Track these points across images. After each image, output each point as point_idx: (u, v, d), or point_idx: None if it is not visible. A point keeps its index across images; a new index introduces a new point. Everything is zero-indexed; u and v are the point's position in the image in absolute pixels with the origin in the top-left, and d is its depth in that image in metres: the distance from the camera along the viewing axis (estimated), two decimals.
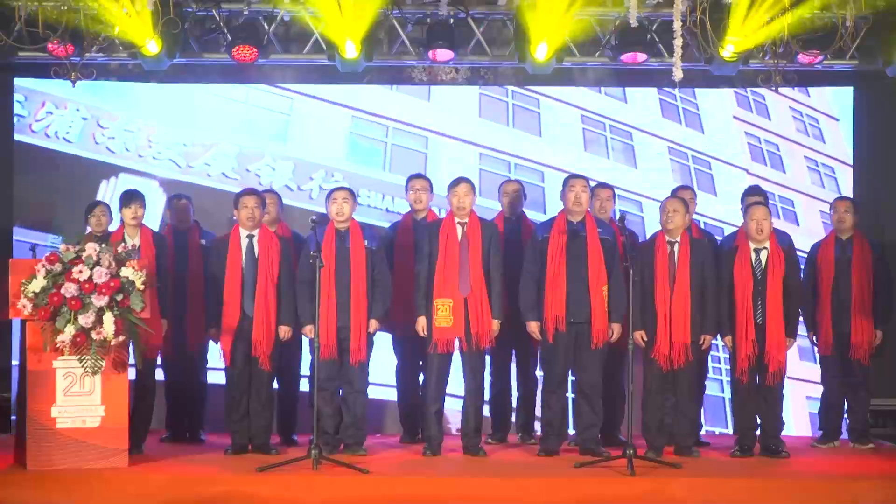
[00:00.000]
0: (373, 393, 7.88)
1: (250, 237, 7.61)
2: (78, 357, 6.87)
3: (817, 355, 8.32)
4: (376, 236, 7.77)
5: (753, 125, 9.78)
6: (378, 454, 7.64)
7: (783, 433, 7.78)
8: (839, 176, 9.65)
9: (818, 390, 8.39)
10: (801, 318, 7.95)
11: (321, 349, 7.32)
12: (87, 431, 6.94)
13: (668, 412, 7.65)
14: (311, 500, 6.61)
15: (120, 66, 9.39)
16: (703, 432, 8.49)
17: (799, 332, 7.90)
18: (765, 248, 7.60)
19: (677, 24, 7.79)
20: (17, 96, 9.34)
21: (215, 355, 7.88)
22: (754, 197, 8.24)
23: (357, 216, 7.78)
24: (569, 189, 7.60)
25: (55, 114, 9.40)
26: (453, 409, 8.13)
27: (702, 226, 8.77)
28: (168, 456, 7.48)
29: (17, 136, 9.31)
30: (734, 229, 8.34)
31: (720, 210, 9.40)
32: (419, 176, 8.27)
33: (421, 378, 8.10)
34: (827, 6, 8.50)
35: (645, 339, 7.47)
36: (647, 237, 8.19)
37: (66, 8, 8.14)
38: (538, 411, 7.92)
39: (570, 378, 7.69)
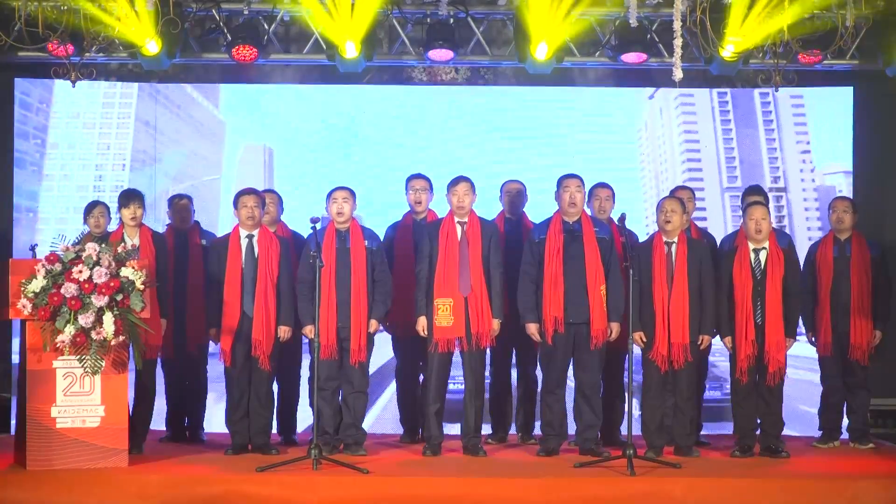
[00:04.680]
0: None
1: (250, 237, 7.61)
2: (78, 357, 6.87)
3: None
4: (376, 236, 7.77)
5: None
6: (378, 454, 7.63)
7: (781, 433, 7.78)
8: None
9: None
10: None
11: (321, 349, 7.32)
12: (87, 431, 6.94)
13: (667, 412, 7.65)
14: (311, 500, 6.60)
15: (120, 66, 9.42)
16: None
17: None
18: (764, 248, 7.60)
19: (677, 24, 7.79)
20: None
21: (215, 355, 7.88)
22: (754, 196, 8.24)
23: None
24: (563, 189, 7.60)
25: None
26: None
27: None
28: (168, 456, 7.47)
29: None
30: None
31: None
32: (419, 176, 8.26)
33: (421, 378, 8.11)
34: (827, 6, 8.51)
35: (644, 339, 7.47)
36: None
37: (66, 8, 8.15)
38: (538, 411, 7.91)
39: (570, 378, 7.69)
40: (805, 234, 9.45)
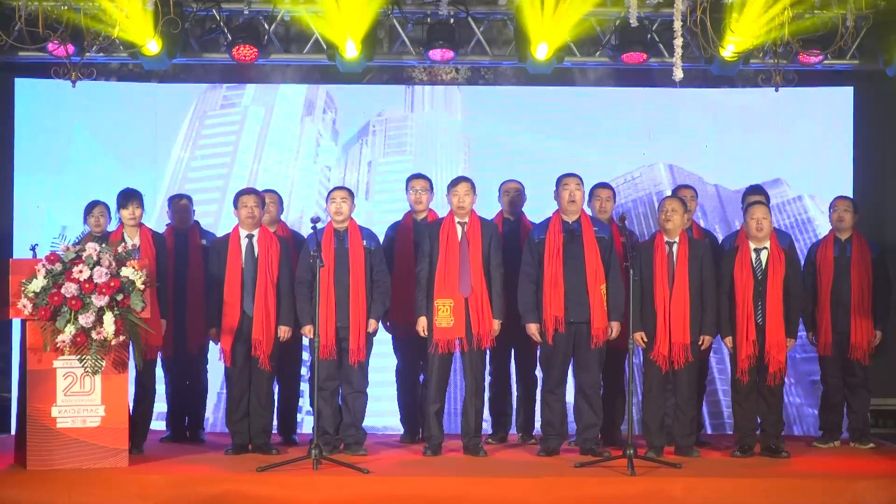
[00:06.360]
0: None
1: (250, 237, 7.61)
2: (78, 357, 6.87)
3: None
4: (375, 236, 7.77)
5: None
6: (378, 454, 7.64)
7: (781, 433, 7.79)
8: None
9: None
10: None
11: (320, 349, 7.32)
12: (87, 431, 6.94)
13: (668, 412, 7.66)
14: (311, 500, 6.61)
15: (120, 66, 9.42)
16: None
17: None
18: (765, 248, 7.60)
19: (677, 24, 7.79)
20: None
21: (215, 355, 7.88)
22: (755, 196, 8.24)
23: None
24: (562, 188, 7.60)
25: None
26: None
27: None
28: (168, 456, 7.48)
29: None
30: None
31: None
32: (419, 176, 8.26)
33: (421, 378, 8.12)
34: (827, 6, 8.51)
35: (645, 339, 7.47)
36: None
37: (66, 8, 8.16)
38: (538, 411, 7.92)
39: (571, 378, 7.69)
40: None
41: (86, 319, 6.77)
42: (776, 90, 8.48)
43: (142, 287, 6.93)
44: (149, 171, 9.36)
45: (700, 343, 7.56)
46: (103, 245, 6.98)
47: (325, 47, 8.92)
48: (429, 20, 8.97)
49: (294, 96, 9.66)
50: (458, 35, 8.96)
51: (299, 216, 9.19)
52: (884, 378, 8.73)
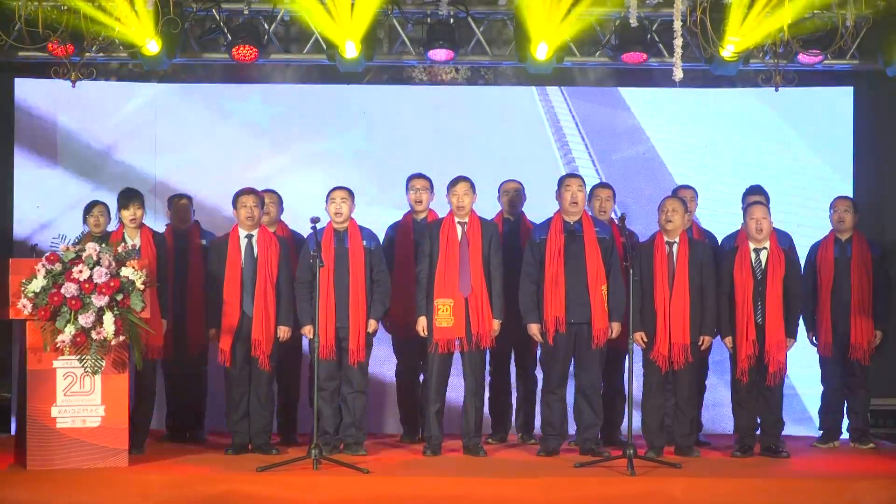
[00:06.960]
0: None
1: (249, 237, 7.61)
2: (78, 357, 6.87)
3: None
4: (375, 236, 7.77)
5: None
6: (378, 454, 7.64)
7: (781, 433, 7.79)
8: None
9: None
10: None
11: (320, 349, 7.32)
12: (87, 431, 6.94)
13: (668, 412, 7.66)
14: (311, 500, 6.61)
15: (120, 66, 9.42)
16: None
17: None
18: (765, 248, 7.60)
19: (677, 24, 7.80)
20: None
21: (215, 355, 7.88)
22: (754, 196, 8.24)
23: None
24: (564, 189, 7.60)
25: None
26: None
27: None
28: (168, 456, 7.48)
29: None
30: None
31: None
32: (419, 176, 8.25)
33: (421, 378, 8.12)
34: (827, 6, 8.51)
35: (645, 340, 7.47)
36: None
37: (66, 8, 8.16)
38: (538, 411, 7.92)
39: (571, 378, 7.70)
40: None
41: (86, 319, 6.77)
42: (776, 90, 8.49)
43: (142, 287, 6.94)
44: (148, 171, 9.35)
45: (700, 343, 7.56)
46: (103, 245, 6.98)
47: (325, 47, 8.91)
48: (429, 20, 8.96)
49: (289, 94, 9.63)
50: (458, 35, 8.96)
51: (294, 215, 9.11)
52: (884, 378, 8.73)
